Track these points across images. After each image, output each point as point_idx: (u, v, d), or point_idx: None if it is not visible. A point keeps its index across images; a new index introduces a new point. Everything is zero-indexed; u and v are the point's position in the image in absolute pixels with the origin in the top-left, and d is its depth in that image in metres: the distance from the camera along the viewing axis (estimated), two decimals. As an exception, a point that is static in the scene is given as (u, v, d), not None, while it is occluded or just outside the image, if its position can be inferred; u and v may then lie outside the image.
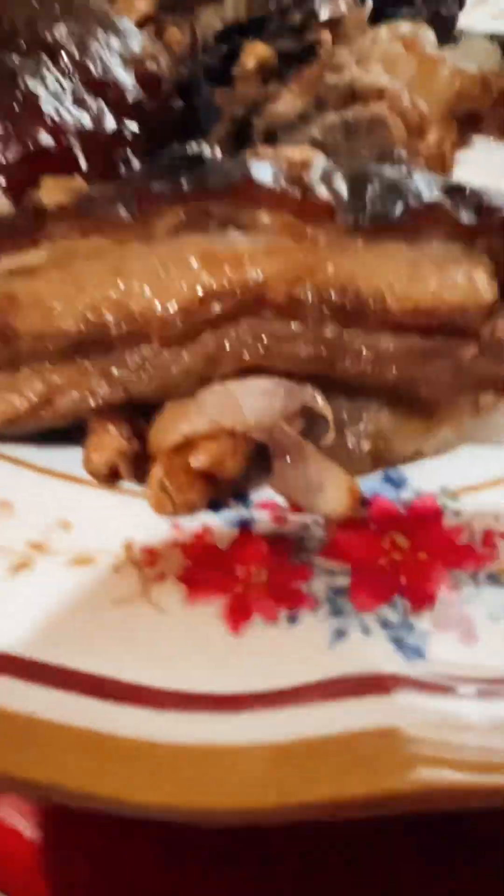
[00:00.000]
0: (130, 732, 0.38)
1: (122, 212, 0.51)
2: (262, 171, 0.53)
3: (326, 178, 0.56)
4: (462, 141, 0.92)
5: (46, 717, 0.39)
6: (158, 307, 0.51)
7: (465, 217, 0.54)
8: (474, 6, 1.11)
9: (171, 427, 0.51)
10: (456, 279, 0.52)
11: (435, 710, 0.39)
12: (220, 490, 0.52)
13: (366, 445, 0.55)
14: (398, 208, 0.54)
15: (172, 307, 0.51)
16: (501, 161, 0.92)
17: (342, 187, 0.55)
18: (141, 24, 0.87)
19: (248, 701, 0.40)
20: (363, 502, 0.53)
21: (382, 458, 0.55)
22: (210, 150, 0.56)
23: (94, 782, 0.38)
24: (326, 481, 0.53)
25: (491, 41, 0.95)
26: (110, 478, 0.54)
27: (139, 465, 0.54)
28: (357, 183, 0.55)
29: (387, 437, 0.55)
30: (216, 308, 0.51)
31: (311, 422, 0.53)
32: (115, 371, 0.53)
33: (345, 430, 0.54)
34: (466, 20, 1.04)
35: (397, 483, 0.55)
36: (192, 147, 0.54)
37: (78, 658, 0.42)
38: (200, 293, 0.51)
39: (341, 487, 0.52)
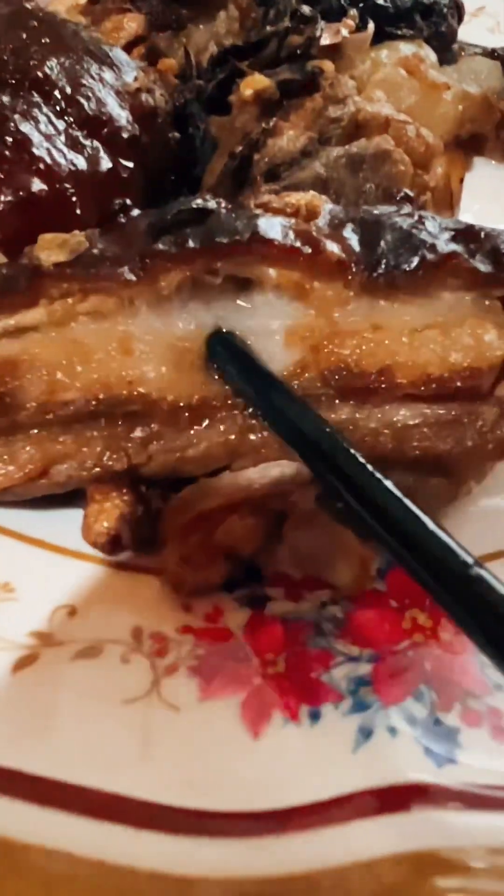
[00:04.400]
0: (149, 864, 0.35)
1: (127, 272, 0.48)
2: (271, 227, 0.50)
3: (335, 228, 0.53)
4: (464, 165, 0.90)
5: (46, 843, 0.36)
6: (170, 396, 0.48)
7: (483, 266, 0.52)
8: (469, 18, 1.08)
9: (188, 504, 0.49)
10: (462, 340, 0.50)
11: (470, 829, 0.37)
12: (236, 567, 0.50)
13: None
14: (414, 261, 0.51)
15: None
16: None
17: (353, 239, 0.52)
18: (132, 46, 0.84)
19: (271, 821, 0.37)
20: (379, 573, 0.51)
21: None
22: (211, 197, 0.54)
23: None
24: (338, 550, 0.51)
25: (492, 59, 0.93)
26: (112, 548, 0.51)
27: (142, 531, 0.51)
28: (369, 234, 0.53)
29: (412, 496, 0.53)
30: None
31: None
32: (119, 443, 0.50)
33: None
34: (462, 32, 1.01)
35: (415, 551, 0.53)
36: (198, 200, 0.51)
37: (88, 773, 0.39)
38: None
39: (353, 557, 0.50)
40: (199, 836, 0.37)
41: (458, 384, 0.51)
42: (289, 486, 0.50)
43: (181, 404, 0.48)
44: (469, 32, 1.06)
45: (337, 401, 0.49)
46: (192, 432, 0.49)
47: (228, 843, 0.36)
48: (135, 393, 0.48)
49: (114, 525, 0.51)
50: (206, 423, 0.49)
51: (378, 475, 0.41)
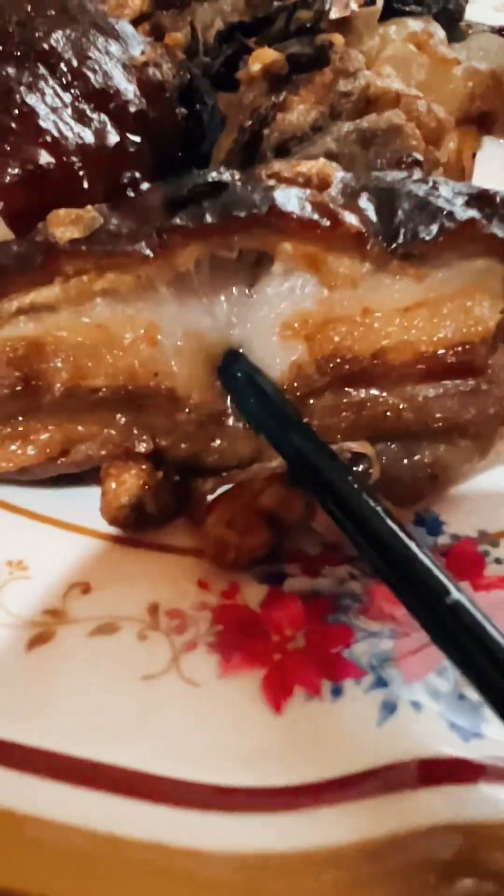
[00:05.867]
0: (156, 836, 0.35)
1: (144, 248, 0.47)
2: (288, 199, 0.49)
3: (350, 198, 0.52)
4: (476, 140, 0.88)
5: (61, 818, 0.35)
6: (195, 396, 0.48)
7: (501, 231, 0.51)
8: (475, -4, 1.07)
9: (231, 476, 0.49)
10: (452, 315, 0.49)
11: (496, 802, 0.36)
12: (278, 535, 0.49)
13: (425, 472, 0.52)
14: (434, 230, 0.50)
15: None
16: (513, 163, 0.89)
17: (369, 209, 0.51)
18: (137, 22, 0.82)
19: (297, 796, 0.37)
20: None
21: (441, 482, 0.52)
22: (225, 171, 0.53)
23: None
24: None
25: (500, 35, 0.92)
26: (135, 522, 0.50)
27: (164, 498, 0.50)
28: (384, 203, 0.52)
29: (444, 462, 0.52)
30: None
31: (355, 460, 0.50)
32: (143, 427, 0.49)
33: (402, 462, 0.51)
34: (469, 11, 1.00)
35: (432, 527, 0.52)
36: (213, 173, 0.50)
37: (106, 748, 0.38)
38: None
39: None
40: (222, 810, 0.36)
41: (453, 360, 0.50)
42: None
43: (205, 409, 0.47)
44: (475, 11, 1.05)
45: (347, 388, 0.49)
46: (216, 430, 0.48)
47: (253, 818, 0.36)
48: (161, 386, 0.47)
49: (136, 496, 0.49)
50: (231, 420, 0.48)
51: (371, 500, 0.41)
